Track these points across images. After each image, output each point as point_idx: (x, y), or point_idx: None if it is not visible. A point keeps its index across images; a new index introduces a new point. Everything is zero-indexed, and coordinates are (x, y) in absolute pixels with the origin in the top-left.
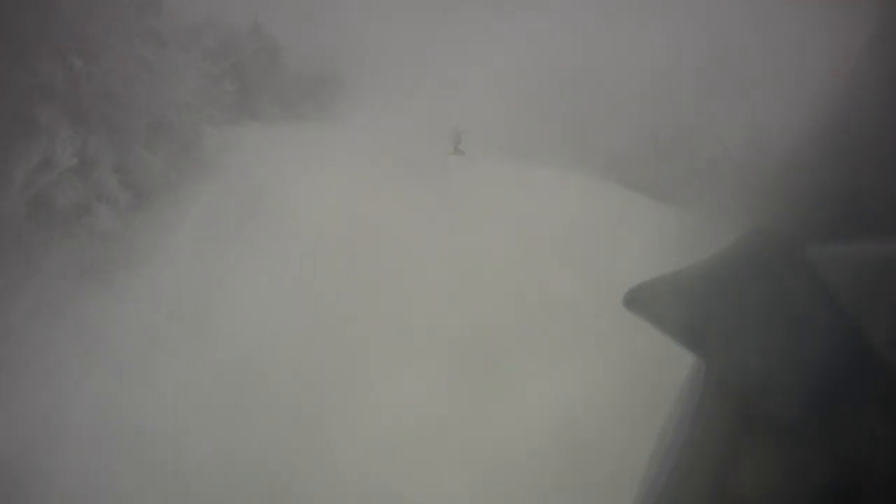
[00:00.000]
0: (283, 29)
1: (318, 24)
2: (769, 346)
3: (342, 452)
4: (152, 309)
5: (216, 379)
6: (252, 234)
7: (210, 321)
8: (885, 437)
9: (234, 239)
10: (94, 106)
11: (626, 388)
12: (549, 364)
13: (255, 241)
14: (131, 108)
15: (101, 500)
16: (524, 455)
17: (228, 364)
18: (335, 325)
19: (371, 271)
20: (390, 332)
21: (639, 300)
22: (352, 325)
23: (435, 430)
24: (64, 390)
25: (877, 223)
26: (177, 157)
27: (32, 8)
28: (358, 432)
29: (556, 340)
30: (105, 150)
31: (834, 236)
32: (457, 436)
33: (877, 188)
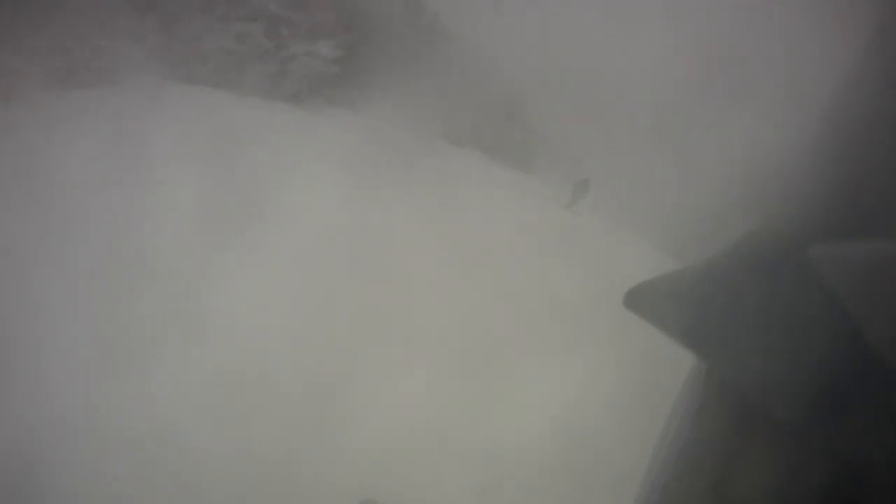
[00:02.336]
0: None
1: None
2: (769, 346)
3: (342, 452)
4: (151, 309)
5: (216, 379)
6: (251, 233)
7: (209, 321)
8: (885, 437)
9: (232, 238)
10: None
11: (626, 388)
12: (549, 364)
13: (254, 241)
14: None
15: (100, 501)
16: (524, 455)
17: (228, 364)
18: (335, 325)
19: (371, 271)
20: (390, 331)
21: (639, 300)
22: (351, 324)
23: (435, 430)
24: (62, 390)
25: (877, 223)
26: None
27: None
28: (358, 432)
29: (556, 340)
30: None
31: (834, 236)
32: (457, 435)
33: (877, 188)
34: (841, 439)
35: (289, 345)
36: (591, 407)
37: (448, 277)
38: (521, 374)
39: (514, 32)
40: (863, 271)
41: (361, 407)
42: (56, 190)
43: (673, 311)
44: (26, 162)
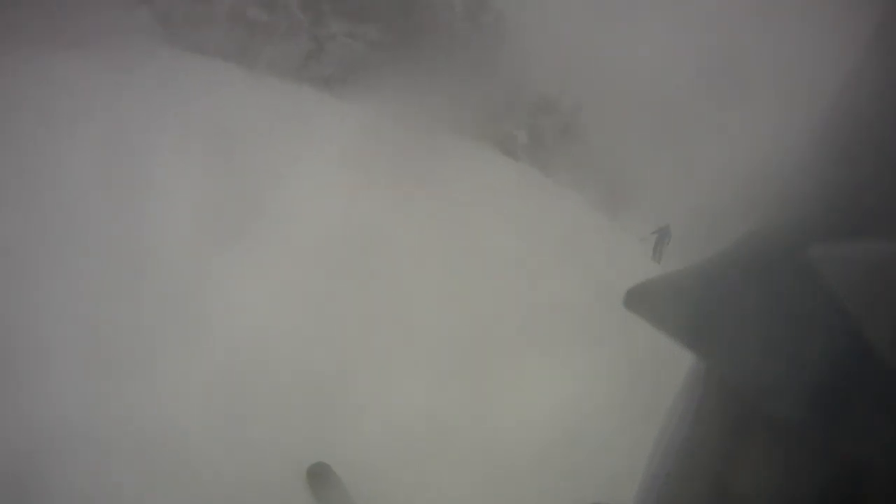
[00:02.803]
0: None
1: None
2: (769, 346)
3: (342, 452)
4: (151, 309)
5: (216, 379)
6: (252, 233)
7: (210, 321)
8: (885, 437)
9: (233, 238)
10: None
11: (626, 387)
12: (549, 363)
13: (254, 240)
14: None
15: (101, 501)
16: (524, 454)
17: (228, 364)
18: (335, 325)
19: (371, 271)
20: (390, 331)
21: (639, 300)
22: (352, 324)
23: (435, 430)
24: (64, 391)
25: (877, 223)
26: None
27: None
28: (358, 432)
29: (556, 340)
30: None
31: (834, 236)
32: (456, 435)
33: (877, 188)
34: (841, 439)
35: (289, 344)
36: (591, 406)
37: (448, 277)
38: (521, 374)
39: (581, 41)
40: (863, 271)
41: (362, 406)
42: (56, 188)
43: (673, 311)
44: (26, 162)
